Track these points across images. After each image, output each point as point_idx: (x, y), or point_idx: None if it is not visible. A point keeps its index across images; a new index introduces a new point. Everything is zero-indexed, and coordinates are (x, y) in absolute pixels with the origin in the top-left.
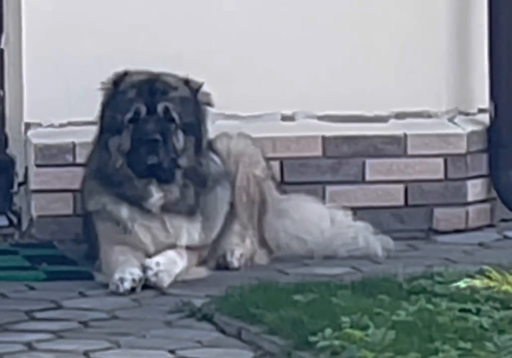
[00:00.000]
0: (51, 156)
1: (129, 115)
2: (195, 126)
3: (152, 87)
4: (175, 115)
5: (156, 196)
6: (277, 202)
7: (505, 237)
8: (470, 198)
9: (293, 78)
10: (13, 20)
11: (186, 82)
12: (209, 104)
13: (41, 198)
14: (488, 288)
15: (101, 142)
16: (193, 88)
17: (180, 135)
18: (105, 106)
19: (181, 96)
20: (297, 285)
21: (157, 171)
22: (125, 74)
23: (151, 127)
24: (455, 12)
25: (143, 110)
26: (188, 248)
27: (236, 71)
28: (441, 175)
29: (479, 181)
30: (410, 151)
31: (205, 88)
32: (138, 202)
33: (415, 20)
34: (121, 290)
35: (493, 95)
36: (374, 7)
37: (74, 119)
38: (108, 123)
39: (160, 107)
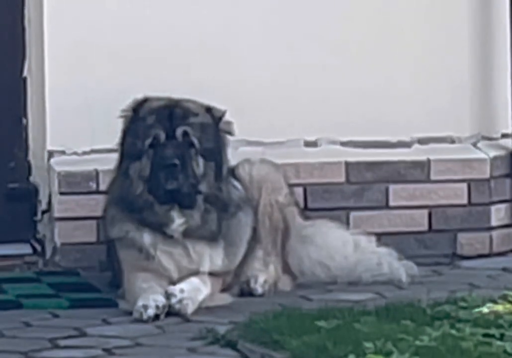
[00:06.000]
0: (75, 184)
1: (148, 141)
2: (215, 152)
3: (171, 112)
4: (194, 140)
5: (177, 222)
6: (300, 228)
7: None
8: (493, 223)
9: (316, 104)
10: (36, 48)
11: (209, 109)
12: (230, 133)
13: (64, 226)
14: (511, 313)
15: (122, 169)
16: (215, 116)
17: (200, 161)
18: (125, 133)
19: (201, 122)
20: (320, 311)
21: (178, 196)
22: (145, 100)
23: (170, 152)
24: (477, 37)
25: (162, 135)
26: (212, 274)
27: (259, 98)
28: (464, 200)
29: (502, 206)
30: (433, 177)
31: (227, 117)
32: (160, 228)
33: (438, 46)
34: (144, 317)
35: None
36: (397, 34)
37: (97, 146)
38: (129, 150)
39: (179, 132)
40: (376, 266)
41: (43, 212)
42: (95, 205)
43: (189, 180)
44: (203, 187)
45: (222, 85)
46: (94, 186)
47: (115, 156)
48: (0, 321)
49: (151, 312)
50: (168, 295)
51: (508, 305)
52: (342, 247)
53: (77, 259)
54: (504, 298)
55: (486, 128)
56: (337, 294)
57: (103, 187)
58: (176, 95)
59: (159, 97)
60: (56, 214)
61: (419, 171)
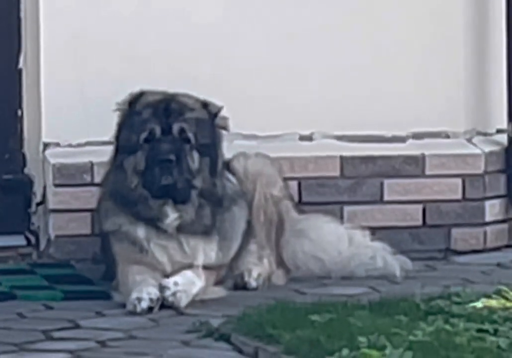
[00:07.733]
0: (69, 176)
1: (143, 135)
2: (210, 148)
3: (167, 107)
4: (190, 135)
5: (171, 217)
6: (294, 222)
7: None
8: (488, 218)
9: (311, 98)
10: (31, 40)
11: (205, 105)
12: (226, 128)
13: (59, 218)
14: (505, 308)
15: (116, 162)
16: (211, 111)
17: (195, 156)
18: (120, 126)
19: (197, 117)
20: (314, 305)
21: (172, 191)
22: (141, 94)
23: (165, 147)
24: (473, 34)
25: (158, 130)
26: (205, 267)
27: (254, 91)
28: (459, 195)
29: (497, 201)
30: (428, 171)
31: (223, 112)
32: (154, 223)
33: (434, 43)
34: (138, 309)
35: (511, 115)
36: (393, 32)
37: (92, 139)
38: (124, 143)
39: (175, 128)
40: (370, 261)
41: (38, 204)
42: (90, 197)
43: (184, 175)
44: (197, 182)
45: (217, 79)
46: (88, 178)
47: (110, 148)
48: None
49: (144, 304)
50: (162, 288)
51: (502, 301)
52: (336, 241)
53: (71, 251)
54: (498, 293)
55: (481, 123)
56: (331, 288)
57: (97, 179)
58: (172, 89)
59: (155, 91)
60: (51, 206)
61: (413, 166)
